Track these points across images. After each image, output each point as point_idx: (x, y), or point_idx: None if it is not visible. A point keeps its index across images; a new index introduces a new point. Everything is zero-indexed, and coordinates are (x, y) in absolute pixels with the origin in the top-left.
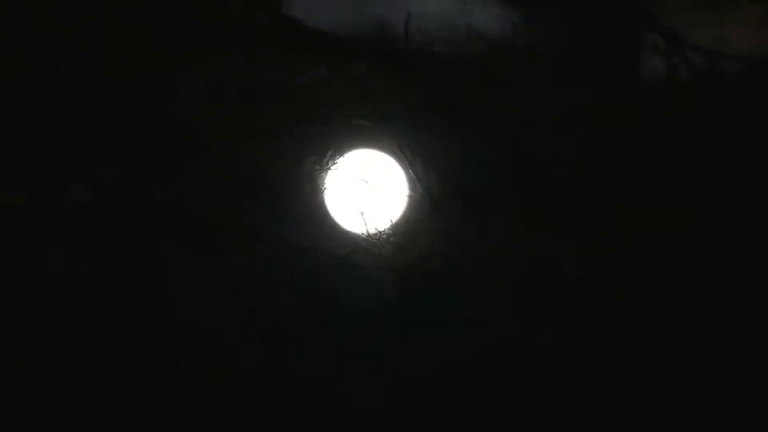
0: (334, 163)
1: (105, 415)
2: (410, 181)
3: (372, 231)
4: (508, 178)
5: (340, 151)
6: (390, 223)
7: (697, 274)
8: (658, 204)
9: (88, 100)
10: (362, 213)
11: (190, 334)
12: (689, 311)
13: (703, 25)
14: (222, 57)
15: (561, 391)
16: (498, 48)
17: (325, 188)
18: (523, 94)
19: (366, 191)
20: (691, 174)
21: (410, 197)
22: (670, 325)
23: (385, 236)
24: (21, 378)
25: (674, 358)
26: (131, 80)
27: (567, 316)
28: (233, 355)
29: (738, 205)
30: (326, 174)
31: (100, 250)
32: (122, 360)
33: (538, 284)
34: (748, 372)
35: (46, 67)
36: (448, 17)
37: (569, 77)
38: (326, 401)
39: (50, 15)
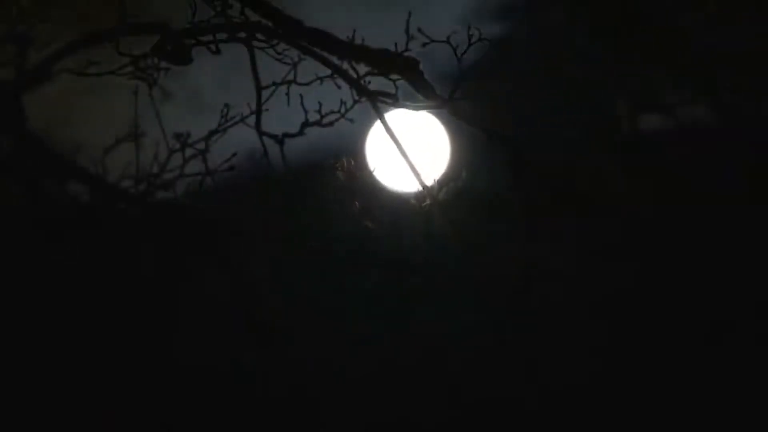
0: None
1: (104, 417)
2: (410, 180)
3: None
4: (508, 178)
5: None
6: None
7: (698, 275)
8: (658, 204)
9: None
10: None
11: (190, 333)
12: (690, 311)
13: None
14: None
15: (561, 391)
16: (498, 47)
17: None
18: (523, 94)
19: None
20: (692, 174)
21: (410, 196)
22: (671, 324)
23: (386, 236)
24: (20, 379)
25: (675, 358)
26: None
27: (567, 316)
28: (233, 355)
29: (739, 205)
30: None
31: (100, 250)
32: (121, 360)
33: (538, 284)
34: (748, 373)
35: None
36: (449, 17)
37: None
38: (326, 401)
39: None
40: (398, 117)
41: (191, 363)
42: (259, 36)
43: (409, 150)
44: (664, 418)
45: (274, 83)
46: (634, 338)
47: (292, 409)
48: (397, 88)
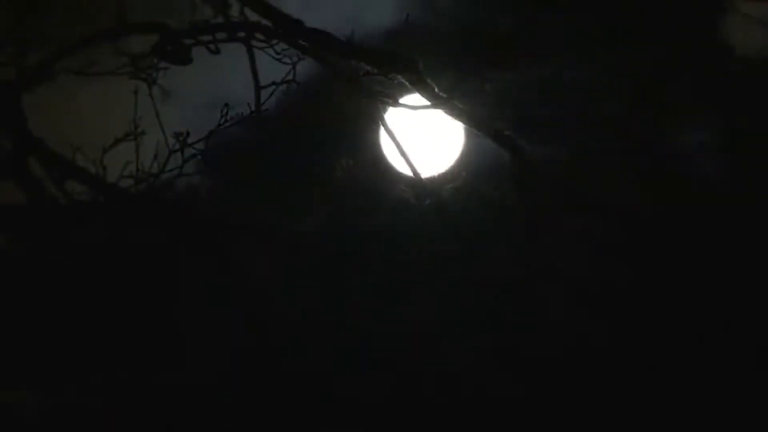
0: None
1: (104, 414)
2: (410, 179)
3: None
4: (509, 178)
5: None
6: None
7: (697, 274)
8: (658, 204)
9: None
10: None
11: (191, 331)
12: (689, 311)
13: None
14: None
15: (561, 391)
16: (498, 47)
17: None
18: (523, 94)
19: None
20: (692, 174)
21: (411, 196)
22: (671, 324)
23: (386, 235)
24: (21, 374)
25: (674, 357)
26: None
27: (567, 316)
28: (233, 354)
29: (739, 205)
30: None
31: (101, 250)
32: (122, 359)
33: (538, 284)
34: (747, 371)
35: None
36: (447, 17)
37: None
38: (325, 401)
39: None
40: (410, 113)
41: (191, 362)
42: (258, 36)
43: (417, 147)
44: (664, 417)
45: (273, 83)
46: (633, 338)
47: (292, 407)
48: (396, 87)
